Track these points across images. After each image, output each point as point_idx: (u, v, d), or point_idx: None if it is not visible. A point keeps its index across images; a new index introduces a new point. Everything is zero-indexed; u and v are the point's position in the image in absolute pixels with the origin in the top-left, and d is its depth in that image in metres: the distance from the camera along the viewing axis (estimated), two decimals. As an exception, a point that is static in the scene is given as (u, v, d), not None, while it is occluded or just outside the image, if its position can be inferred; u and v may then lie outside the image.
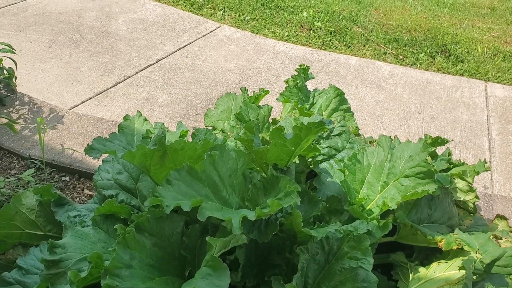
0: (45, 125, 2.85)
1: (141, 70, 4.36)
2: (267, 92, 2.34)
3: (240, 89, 2.41)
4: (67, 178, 2.84)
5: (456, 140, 3.58)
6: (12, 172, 2.85)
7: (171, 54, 4.64)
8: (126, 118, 2.31)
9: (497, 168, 3.33)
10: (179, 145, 1.52)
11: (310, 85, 3.32)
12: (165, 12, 5.41)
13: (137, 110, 2.37)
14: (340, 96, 2.31)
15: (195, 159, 1.65)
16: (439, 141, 1.93)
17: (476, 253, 1.84)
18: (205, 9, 5.47)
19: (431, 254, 2.07)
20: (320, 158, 2.05)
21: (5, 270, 2.18)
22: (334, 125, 2.10)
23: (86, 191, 2.75)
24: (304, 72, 2.33)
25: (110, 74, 4.27)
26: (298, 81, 2.27)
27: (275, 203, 1.44)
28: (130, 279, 1.35)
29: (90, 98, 3.91)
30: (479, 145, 3.56)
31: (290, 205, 1.47)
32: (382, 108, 3.96)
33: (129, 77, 4.25)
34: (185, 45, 4.79)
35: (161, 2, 5.61)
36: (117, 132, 2.11)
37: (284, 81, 2.34)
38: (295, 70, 2.34)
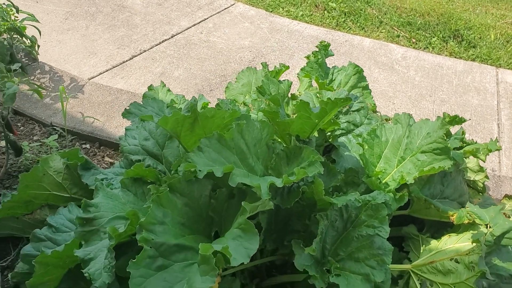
0: (66, 94, 2.92)
1: (157, 45, 4.41)
2: (287, 67, 2.41)
3: (261, 63, 2.47)
4: (88, 146, 2.92)
5: (466, 124, 3.64)
6: (34, 138, 2.93)
7: (186, 29, 4.68)
8: (150, 88, 2.38)
9: (505, 152, 3.40)
10: (210, 113, 1.60)
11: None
12: (180, -12, 5.43)
13: (161, 81, 2.43)
14: (359, 73, 2.37)
15: (222, 128, 1.73)
16: (457, 119, 1.99)
17: (487, 226, 1.92)
18: (220, -14, 5.49)
19: (442, 229, 2.16)
20: (338, 132, 2.12)
21: (32, 228, 2.28)
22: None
23: (106, 158, 2.84)
24: (324, 49, 2.39)
25: (126, 48, 4.32)
26: (319, 57, 2.33)
27: (301, 172, 1.51)
28: (163, 235, 1.44)
29: (107, 70, 3.97)
30: (488, 129, 3.63)
31: (314, 173, 1.54)
32: (394, 90, 4.02)
33: (145, 51, 4.30)
34: (200, 21, 4.82)
35: (176, -22, 5.62)
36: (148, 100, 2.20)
37: (305, 57, 2.40)
38: (316, 47, 2.40)
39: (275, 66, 2.39)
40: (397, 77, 4.19)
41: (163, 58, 4.22)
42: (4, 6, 3.16)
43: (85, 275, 1.48)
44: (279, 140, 1.96)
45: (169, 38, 4.52)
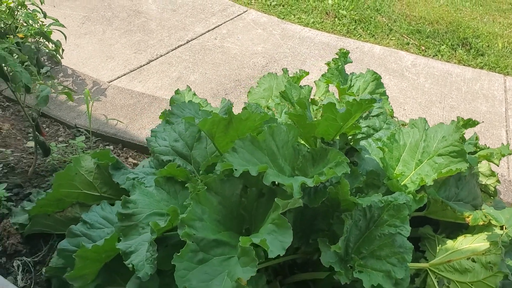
0: (90, 97, 3.02)
1: (172, 50, 4.52)
2: (307, 73, 2.51)
3: (282, 69, 2.58)
4: (111, 147, 3.03)
5: (475, 130, 3.74)
6: (60, 139, 3.04)
7: (200, 35, 4.79)
8: (177, 92, 2.48)
9: (514, 158, 3.50)
10: (244, 116, 1.70)
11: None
12: (194, -6, 5.56)
13: (187, 85, 2.54)
14: (377, 80, 2.48)
15: (252, 130, 1.83)
16: (470, 123, 2.09)
17: (501, 228, 2.02)
18: (232, -7, 5.61)
19: (456, 230, 2.25)
20: (359, 136, 2.22)
21: (64, 226, 2.39)
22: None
23: (130, 159, 2.94)
24: (344, 56, 2.49)
25: (143, 52, 4.43)
26: (339, 64, 2.43)
27: (330, 172, 1.61)
28: (202, 230, 1.54)
29: (124, 74, 4.08)
30: (497, 135, 3.73)
31: (342, 173, 1.64)
32: (404, 96, 4.12)
33: (161, 56, 4.42)
34: (214, 27, 4.94)
35: (189, -16, 5.75)
36: (173, 104, 2.30)
37: (325, 64, 2.51)
38: (336, 54, 2.50)
39: (296, 71, 2.50)
40: (407, 84, 4.30)
41: (179, 63, 4.33)
42: (30, 10, 3.27)
43: (128, 266, 1.57)
44: (302, 142, 2.06)
45: (185, 44, 4.63)
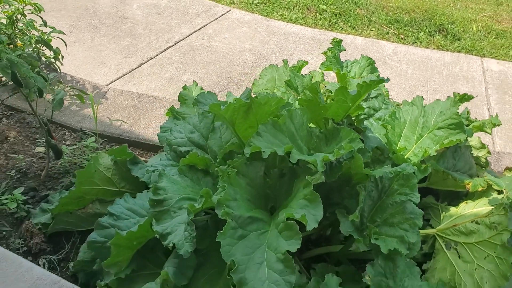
0: (93, 100, 3.12)
1: (162, 52, 4.62)
2: (307, 62, 2.67)
3: (283, 60, 2.72)
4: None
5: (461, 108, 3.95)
6: (67, 143, 3.12)
7: (187, 36, 4.90)
8: (184, 88, 2.61)
9: (498, 133, 3.72)
10: (263, 100, 1.84)
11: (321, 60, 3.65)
12: (176, -3, 5.67)
13: (193, 81, 2.66)
14: (371, 65, 2.64)
15: (269, 115, 1.96)
16: (466, 97, 2.27)
17: (499, 193, 2.20)
18: (214, -6, 5.74)
19: (456, 198, 2.43)
20: (361, 117, 2.38)
21: (85, 222, 2.49)
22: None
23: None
24: (338, 45, 2.65)
25: (133, 56, 4.52)
26: (336, 51, 2.59)
27: (348, 146, 1.76)
28: (237, 209, 1.67)
29: (118, 78, 4.16)
30: (480, 113, 3.95)
31: (357, 147, 1.79)
32: (389, 83, 4.29)
33: (151, 58, 4.51)
34: (200, 28, 5.06)
35: (171, -12, 5.85)
36: (182, 99, 2.43)
37: (322, 53, 2.66)
38: (330, 43, 2.66)
39: (298, 60, 2.65)
40: (390, 71, 4.49)
41: (169, 64, 4.44)
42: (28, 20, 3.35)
43: (168, 246, 1.69)
44: (312, 125, 2.21)
45: (173, 45, 4.74)
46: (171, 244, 1.68)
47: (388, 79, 1.96)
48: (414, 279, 1.93)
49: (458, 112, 2.16)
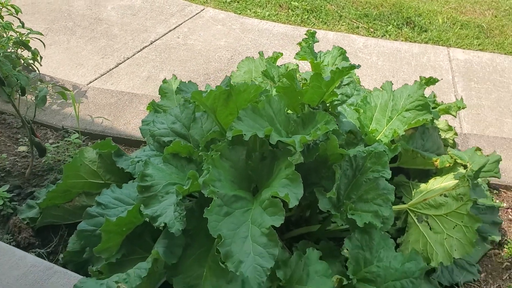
0: (74, 98, 3.17)
1: (138, 52, 4.69)
2: (282, 54, 2.79)
3: (258, 53, 2.84)
4: (101, 144, 3.19)
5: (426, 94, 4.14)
6: (50, 141, 3.17)
7: (163, 35, 4.98)
8: (164, 81, 2.70)
9: (465, 118, 3.91)
10: (242, 87, 1.95)
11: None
12: (150, -2, 5.73)
13: (173, 74, 2.76)
14: (343, 54, 2.78)
15: (249, 102, 2.08)
16: (431, 80, 2.42)
17: (464, 167, 2.36)
18: (187, -6, 5.82)
19: (426, 176, 2.59)
20: (335, 103, 2.51)
21: (72, 215, 2.56)
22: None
23: (121, 153, 3.11)
24: (312, 36, 2.78)
25: (110, 57, 4.57)
26: (310, 42, 2.72)
27: (323, 127, 1.89)
28: (222, 188, 1.78)
29: (96, 79, 4.22)
30: (448, 100, 4.13)
31: (333, 128, 1.92)
32: (360, 74, 4.46)
33: (128, 58, 4.57)
34: (175, 27, 5.14)
35: (144, -11, 5.92)
36: (163, 93, 2.52)
37: (297, 43, 2.79)
38: (305, 34, 2.79)
39: (273, 52, 2.77)
40: (361, 63, 4.64)
41: (146, 63, 4.51)
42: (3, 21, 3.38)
43: (159, 227, 1.79)
44: (290, 111, 2.33)
45: (149, 45, 4.81)
46: (162, 224, 1.78)
47: (359, 65, 2.09)
48: (389, 250, 2.07)
49: (424, 94, 2.31)
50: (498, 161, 2.46)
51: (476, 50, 4.92)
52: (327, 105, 2.44)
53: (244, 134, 1.80)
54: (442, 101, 2.82)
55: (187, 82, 2.12)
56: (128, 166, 2.45)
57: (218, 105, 2.00)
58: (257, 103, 1.98)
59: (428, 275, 2.30)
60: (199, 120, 2.39)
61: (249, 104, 1.91)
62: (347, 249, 2.05)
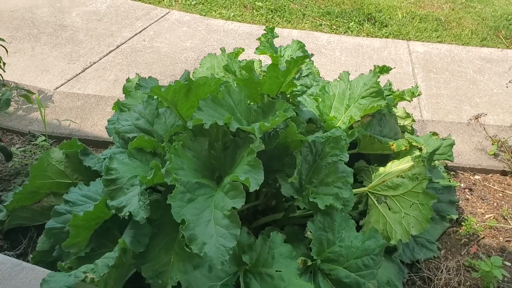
0: (40, 102, 3.19)
1: (105, 56, 4.70)
2: (243, 49, 2.87)
3: (220, 48, 2.91)
4: (68, 146, 3.21)
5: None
6: (16, 146, 3.17)
7: (129, 39, 5.01)
8: (128, 80, 2.74)
9: (425, 107, 4.05)
10: (202, 81, 2.01)
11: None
12: (115, 3, 5.74)
13: (136, 73, 2.80)
14: (302, 48, 2.87)
15: (210, 94, 2.14)
16: (385, 69, 2.53)
17: (420, 150, 2.47)
18: (152, -2, 5.87)
19: (385, 161, 2.69)
20: (295, 93, 2.60)
21: (41, 216, 2.57)
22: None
23: (89, 154, 3.13)
24: (271, 31, 2.86)
25: (76, 62, 4.58)
26: (269, 37, 2.80)
27: (281, 114, 1.96)
28: (185, 176, 1.83)
29: (62, 84, 4.21)
30: (408, 91, 4.27)
31: (291, 115, 2.00)
32: (325, 69, 4.58)
33: (95, 62, 4.59)
34: (141, 31, 5.17)
35: (109, -6, 5.93)
36: (127, 92, 2.57)
37: (257, 39, 2.86)
38: (264, 30, 2.87)
39: (234, 48, 2.85)
40: (325, 59, 4.77)
41: (113, 66, 4.53)
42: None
43: (123, 216, 1.84)
44: (251, 103, 2.40)
45: (115, 49, 4.83)
46: (127, 214, 1.82)
47: (312, 54, 2.18)
48: (350, 231, 2.16)
49: (378, 82, 2.41)
50: (452, 144, 2.59)
51: (435, 42, 5.10)
52: (288, 96, 2.53)
53: (205, 123, 1.87)
54: (398, 90, 2.94)
55: (147, 77, 2.17)
56: (95, 164, 2.49)
57: (179, 99, 2.06)
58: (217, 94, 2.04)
59: (390, 254, 2.40)
60: (162, 115, 2.45)
61: (209, 94, 1.97)
62: (310, 231, 2.13)
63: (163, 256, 1.94)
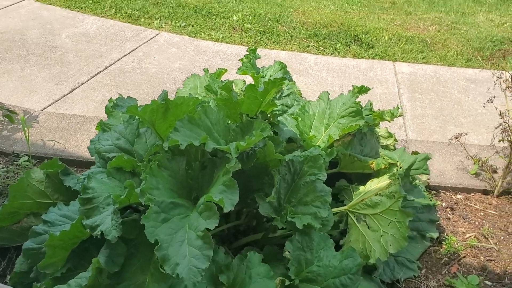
0: (24, 122, 3.20)
1: (93, 77, 4.74)
2: (226, 70, 2.90)
3: (203, 69, 2.94)
4: (52, 166, 3.20)
5: (375, 109, 4.31)
6: (0, 166, 3.17)
7: (118, 60, 5.05)
8: (110, 100, 2.76)
9: (410, 127, 4.09)
10: (179, 101, 2.03)
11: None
12: (105, 25, 5.80)
13: (118, 94, 2.82)
14: (283, 69, 2.90)
15: (187, 114, 2.16)
16: (363, 89, 2.56)
17: (397, 165, 2.49)
18: (142, 19, 5.93)
19: (365, 179, 2.70)
20: (276, 113, 2.62)
21: (21, 237, 2.55)
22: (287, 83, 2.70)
23: (72, 174, 3.13)
24: (253, 52, 2.90)
25: (64, 83, 4.60)
26: (251, 58, 2.83)
27: (258, 134, 1.98)
28: (160, 196, 1.84)
29: (50, 105, 4.23)
30: (394, 111, 4.31)
31: (267, 135, 2.01)
32: (312, 90, 4.63)
33: (83, 83, 4.62)
34: (130, 52, 5.22)
35: (99, 16, 6.00)
36: (109, 112, 2.59)
37: (239, 60, 2.90)
38: (246, 51, 2.91)
39: (216, 69, 2.88)
40: (312, 80, 4.82)
41: (101, 87, 4.56)
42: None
43: (96, 235, 1.83)
44: (231, 122, 2.42)
45: (104, 70, 4.87)
46: (99, 232, 1.82)
47: (290, 77, 2.23)
48: (329, 250, 2.15)
49: (356, 102, 2.44)
50: (426, 158, 2.62)
51: (421, 63, 5.17)
52: (268, 115, 2.55)
53: (180, 144, 1.88)
54: (380, 110, 2.97)
55: (125, 97, 2.18)
56: (75, 184, 2.49)
57: (156, 119, 2.07)
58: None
59: (370, 273, 2.39)
60: (143, 135, 2.46)
61: (186, 114, 1.99)
62: (289, 251, 2.13)
63: (139, 276, 1.93)
